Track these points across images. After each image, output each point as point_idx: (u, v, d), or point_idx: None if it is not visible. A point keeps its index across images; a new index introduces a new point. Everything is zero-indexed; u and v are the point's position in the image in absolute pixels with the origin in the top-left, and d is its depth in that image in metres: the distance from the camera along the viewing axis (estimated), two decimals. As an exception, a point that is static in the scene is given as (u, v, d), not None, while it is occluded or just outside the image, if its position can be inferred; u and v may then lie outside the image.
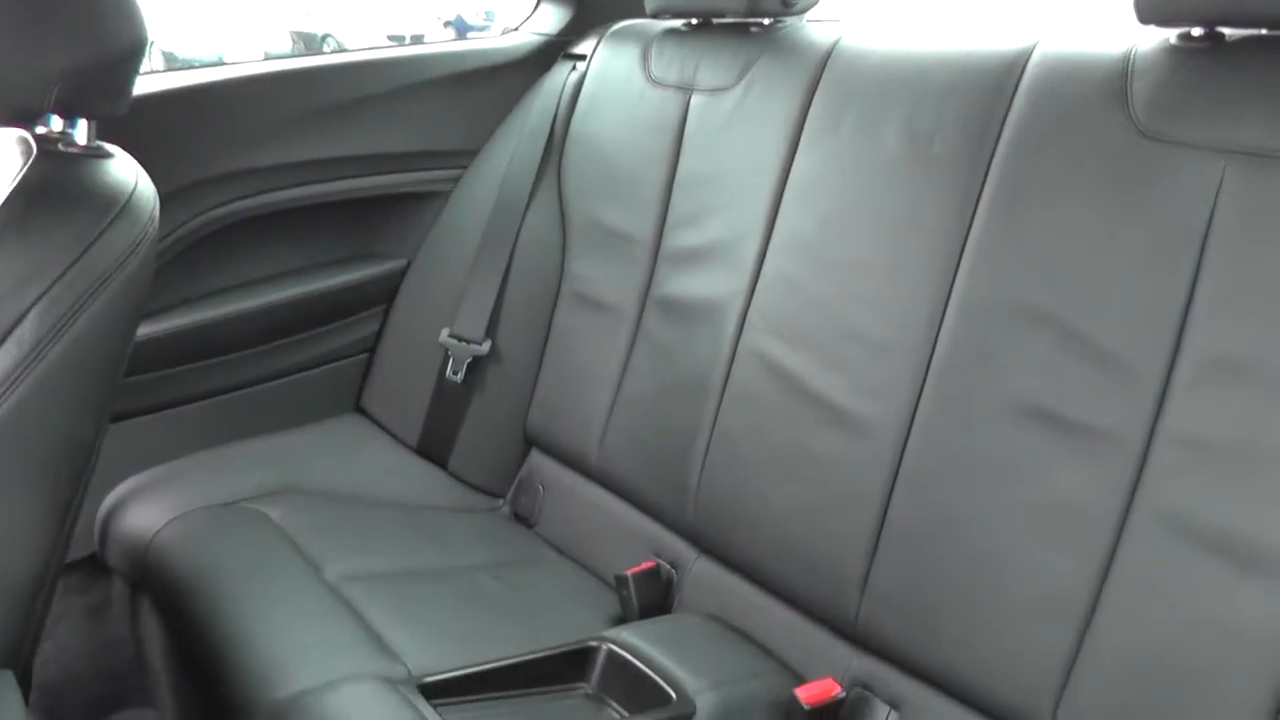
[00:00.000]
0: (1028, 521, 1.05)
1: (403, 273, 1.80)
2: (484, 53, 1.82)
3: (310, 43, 9.71)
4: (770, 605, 1.30)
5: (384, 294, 1.81)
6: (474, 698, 1.17)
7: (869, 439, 1.19)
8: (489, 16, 10.34)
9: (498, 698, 1.19)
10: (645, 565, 1.40)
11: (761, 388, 1.32)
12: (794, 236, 1.33)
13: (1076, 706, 1.00)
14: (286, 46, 10.31)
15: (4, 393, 0.92)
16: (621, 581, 1.39)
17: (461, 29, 10.09)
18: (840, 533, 1.20)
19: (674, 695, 1.16)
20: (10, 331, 0.93)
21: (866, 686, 1.18)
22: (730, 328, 1.38)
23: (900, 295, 1.19)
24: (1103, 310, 1.02)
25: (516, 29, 1.89)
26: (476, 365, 1.67)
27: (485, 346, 1.66)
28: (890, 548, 1.16)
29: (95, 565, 1.55)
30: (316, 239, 1.75)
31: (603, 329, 1.57)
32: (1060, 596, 1.02)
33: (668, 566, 1.42)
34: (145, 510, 1.50)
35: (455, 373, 1.67)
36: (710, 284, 1.42)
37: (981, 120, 1.16)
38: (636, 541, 1.46)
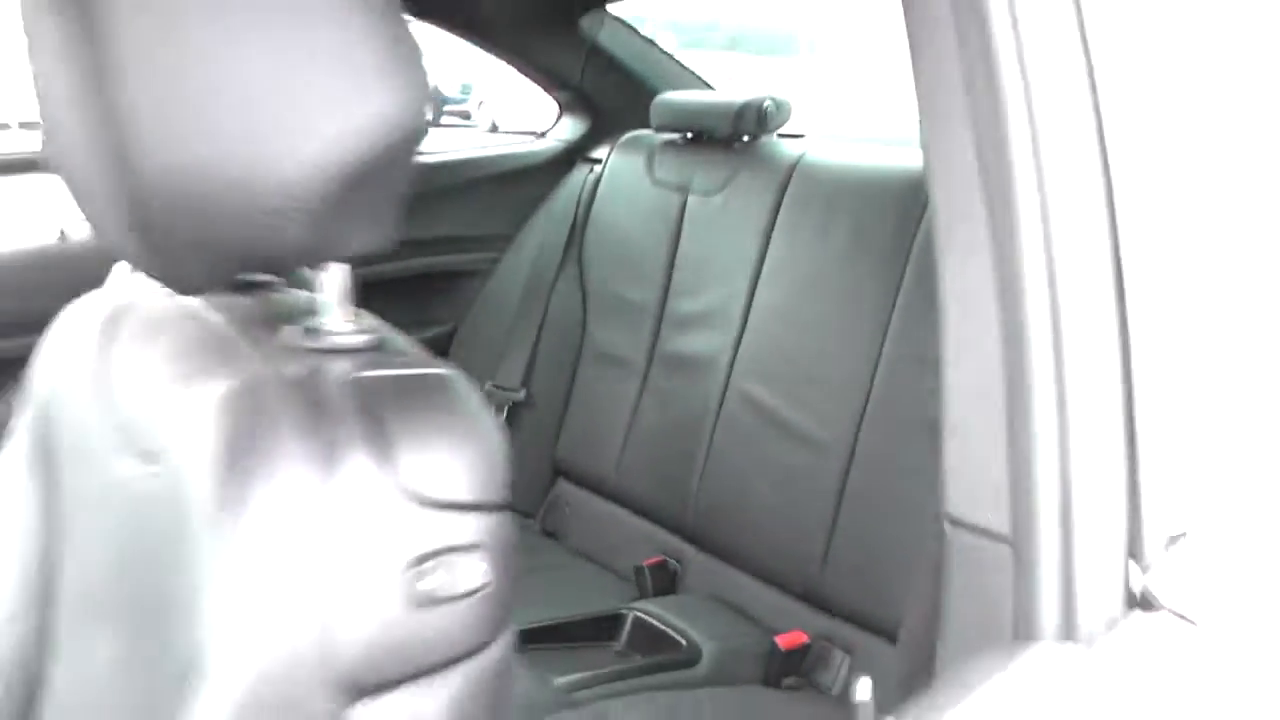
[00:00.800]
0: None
1: (451, 335, 2.29)
2: (520, 156, 2.33)
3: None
4: (753, 584, 1.77)
5: (436, 353, 2.29)
6: (531, 647, 1.63)
7: (825, 454, 1.67)
8: (465, 90, 10.89)
9: (549, 648, 1.65)
10: (656, 560, 1.88)
11: (745, 419, 1.81)
12: (768, 305, 1.83)
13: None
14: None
15: None
16: (639, 571, 1.86)
17: (440, 101, 10.67)
18: (805, 524, 1.68)
19: (684, 644, 1.63)
20: None
21: (828, 638, 1.65)
22: (721, 374, 1.87)
23: (847, 349, 1.68)
24: None
25: (543, 135, 2.40)
26: (514, 410, 2.15)
27: (521, 394, 2.14)
28: (842, 533, 1.64)
29: None
30: (381, 307, 2.22)
31: (618, 379, 2.05)
32: None
33: (674, 561, 1.89)
34: None
35: (496, 416, 2.15)
36: (705, 341, 1.92)
37: (905, 221, 1.66)
38: (648, 544, 1.94)
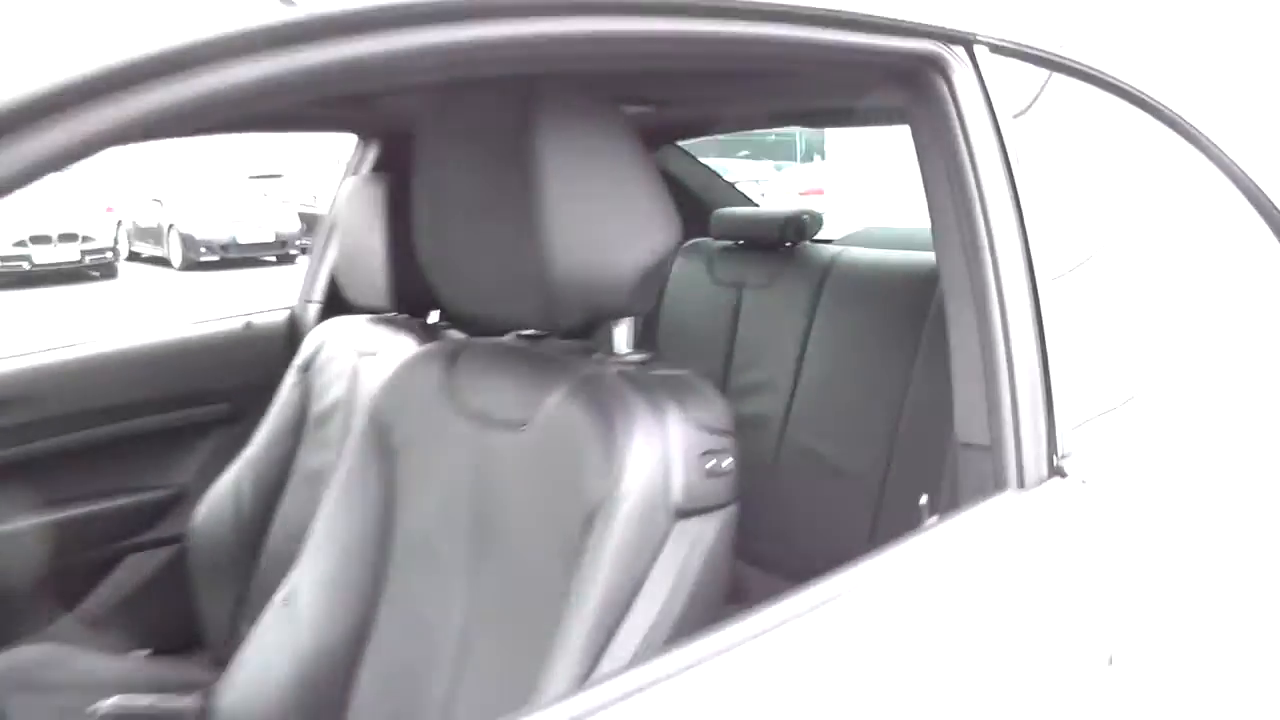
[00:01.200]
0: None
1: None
2: None
3: (313, 223, 11.00)
4: (806, 592, 2.32)
5: None
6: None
7: (863, 484, 2.24)
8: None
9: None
10: (728, 579, 2.43)
11: (799, 462, 2.38)
12: (813, 374, 2.42)
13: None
14: (296, 227, 11.56)
15: None
16: (715, 588, 2.41)
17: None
18: (849, 541, 2.23)
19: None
20: None
21: (868, 629, 2.19)
22: (776, 430, 2.44)
23: (877, 404, 2.26)
24: None
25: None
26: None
27: (608, 452, 2.71)
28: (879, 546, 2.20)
29: None
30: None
31: (688, 439, 2.62)
32: None
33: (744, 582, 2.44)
34: None
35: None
36: (762, 405, 2.49)
37: (918, 305, 2.26)
38: (719, 568, 2.49)
